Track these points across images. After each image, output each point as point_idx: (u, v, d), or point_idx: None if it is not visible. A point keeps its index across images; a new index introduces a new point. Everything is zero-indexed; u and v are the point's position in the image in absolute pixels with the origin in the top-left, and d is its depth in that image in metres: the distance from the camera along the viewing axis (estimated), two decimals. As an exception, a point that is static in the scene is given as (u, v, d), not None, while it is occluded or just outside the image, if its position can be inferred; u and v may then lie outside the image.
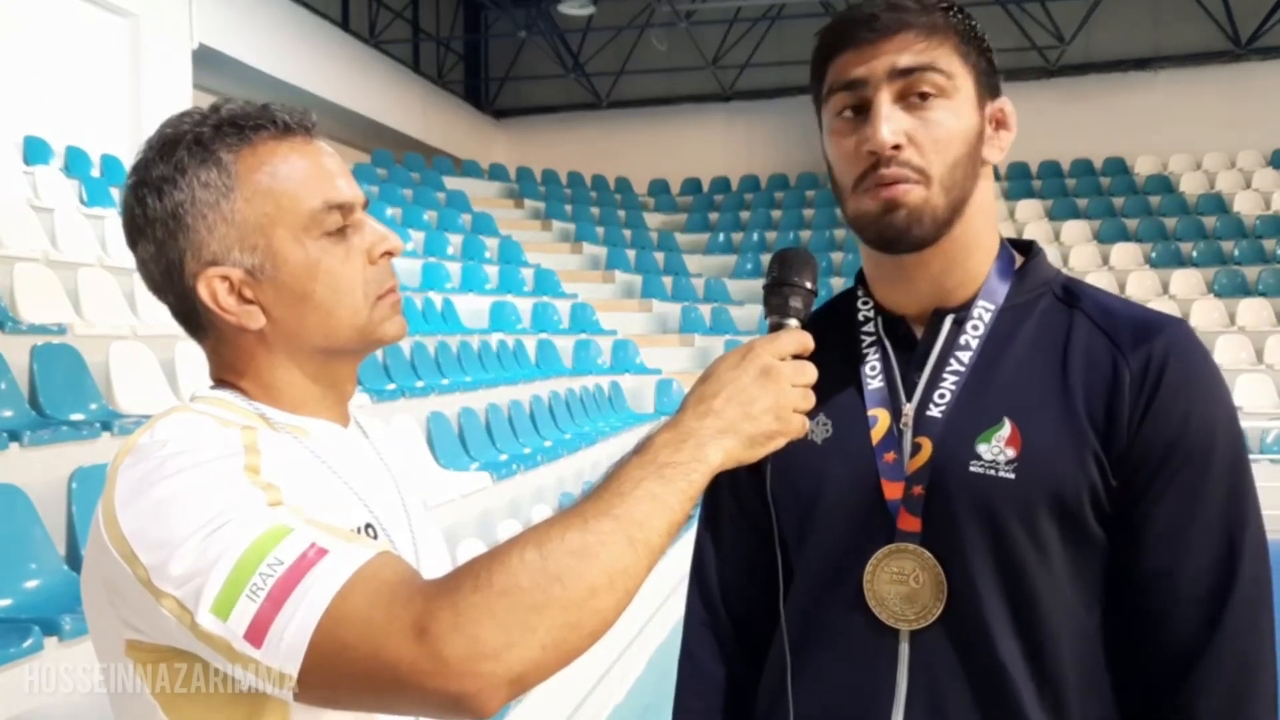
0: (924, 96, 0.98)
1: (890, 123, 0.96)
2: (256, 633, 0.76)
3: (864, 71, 0.99)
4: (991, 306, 1.05)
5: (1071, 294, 1.06)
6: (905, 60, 0.97)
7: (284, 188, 0.93)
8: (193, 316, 0.96)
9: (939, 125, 0.98)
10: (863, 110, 0.99)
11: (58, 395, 4.34)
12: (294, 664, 0.76)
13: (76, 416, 4.29)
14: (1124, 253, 13.14)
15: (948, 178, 0.99)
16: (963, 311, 1.05)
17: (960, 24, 1.01)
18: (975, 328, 1.04)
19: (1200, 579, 0.96)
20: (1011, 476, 0.97)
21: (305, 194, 0.93)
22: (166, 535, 0.79)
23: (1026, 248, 1.11)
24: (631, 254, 14.41)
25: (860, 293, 1.13)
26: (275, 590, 0.76)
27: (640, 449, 0.86)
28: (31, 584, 3.16)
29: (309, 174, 0.94)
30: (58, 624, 2.79)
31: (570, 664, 0.79)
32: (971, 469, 0.99)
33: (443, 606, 0.75)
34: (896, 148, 0.97)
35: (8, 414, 4.02)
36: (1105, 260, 13.06)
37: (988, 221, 1.06)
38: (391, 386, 6.47)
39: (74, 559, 3.36)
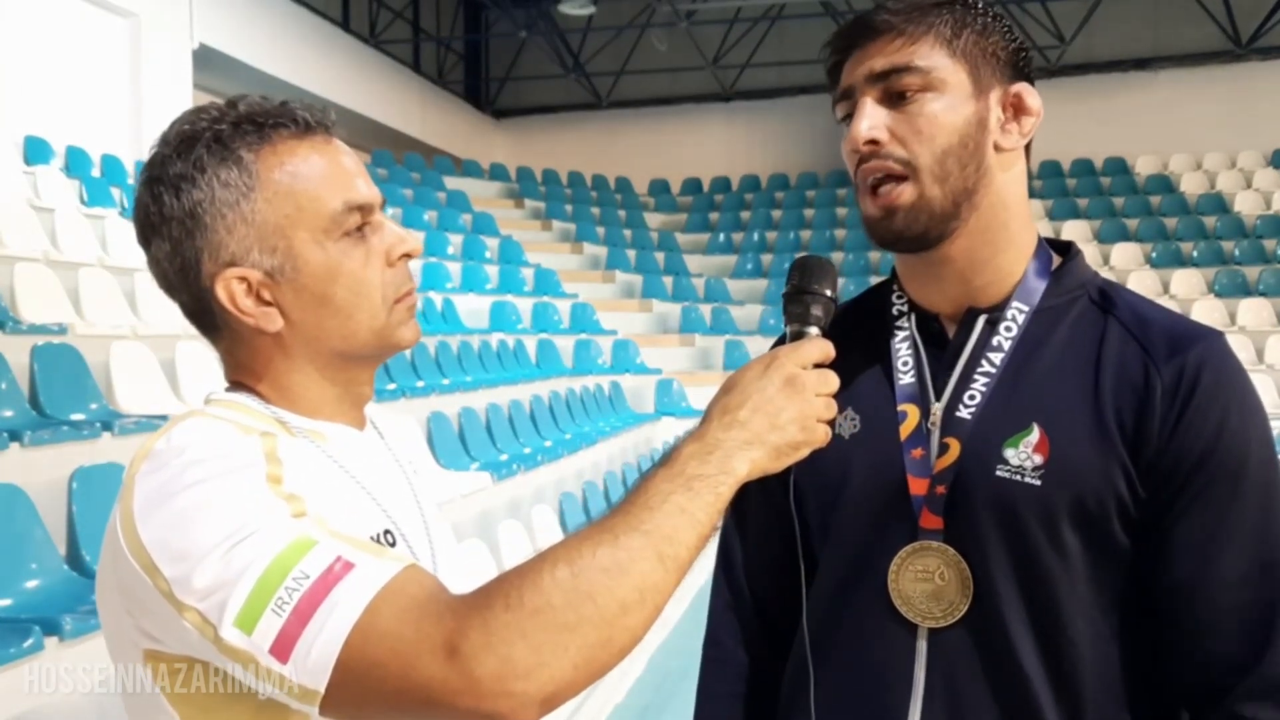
0: (903, 94, 1.00)
1: (868, 120, 1.00)
2: (282, 648, 0.75)
3: (849, 79, 1.03)
4: (1026, 308, 1.04)
5: (1108, 298, 1.04)
6: (879, 64, 1.01)
7: (305, 188, 0.91)
8: (207, 317, 0.94)
9: (920, 117, 0.99)
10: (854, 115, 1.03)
11: (58, 395, 4.34)
12: (321, 680, 0.75)
13: (77, 416, 4.29)
14: (1124, 253, 13.13)
15: (937, 168, 0.99)
16: (996, 312, 1.04)
17: (953, 18, 1.01)
18: (1009, 329, 1.03)
19: (1237, 590, 0.94)
20: (1037, 483, 0.97)
21: (326, 195, 0.91)
22: (189, 547, 0.78)
23: (1065, 248, 1.10)
24: (632, 254, 14.40)
25: (895, 287, 1.13)
26: (301, 605, 0.75)
27: (667, 461, 0.85)
28: (32, 584, 3.16)
29: (329, 174, 0.92)
30: (58, 624, 2.79)
31: (599, 680, 0.79)
32: (998, 473, 0.99)
33: (474, 625, 0.74)
34: (874, 142, 0.99)
35: (8, 414, 4.02)
36: (1106, 260, 13.05)
37: (1016, 216, 1.05)
38: (392, 386, 6.46)
39: (74, 559, 3.36)
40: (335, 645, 0.74)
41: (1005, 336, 1.03)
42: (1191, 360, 0.97)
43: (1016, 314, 1.04)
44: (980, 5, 1.03)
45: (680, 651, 1.15)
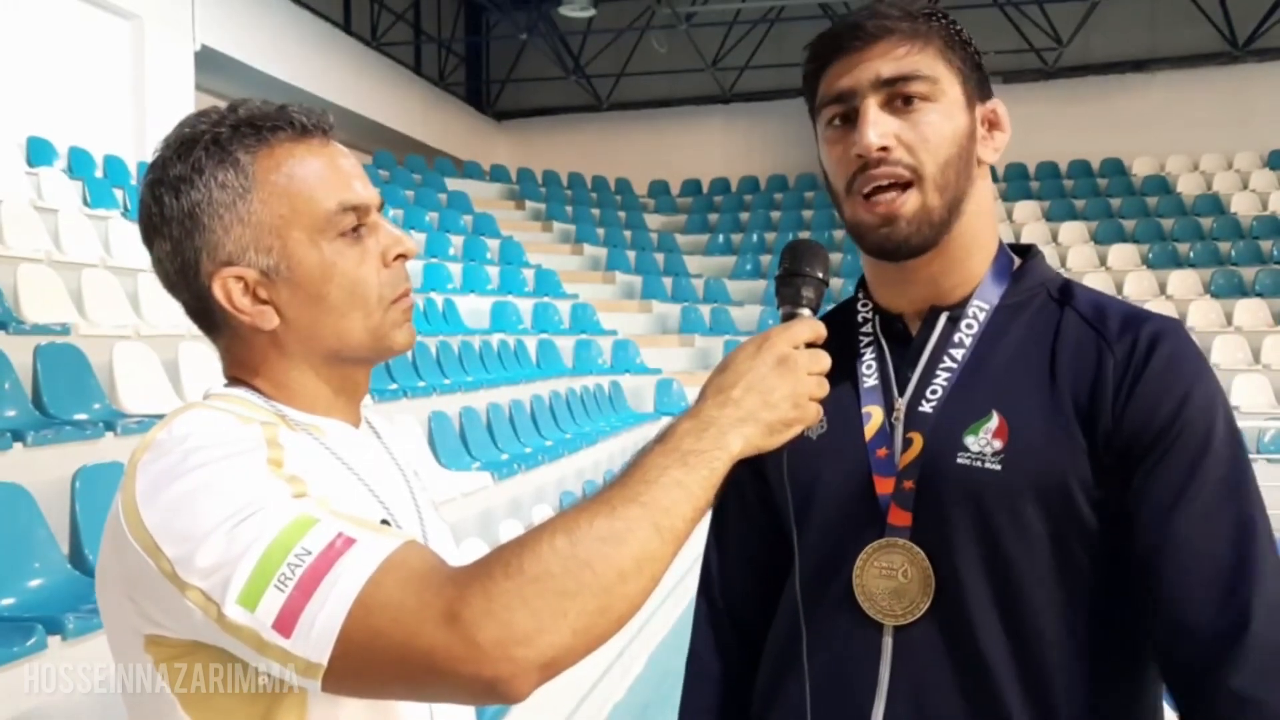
0: (909, 101, 1.00)
1: (877, 127, 1.00)
2: (285, 622, 0.76)
3: (850, 82, 1.02)
4: (986, 305, 1.06)
5: (1066, 293, 1.07)
6: (888, 69, 1.00)
7: (300, 189, 0.93)
8: (207, 315, 0.96)
9: (927, 126, 1.00)
10: (851, 119, 1.03)
11: (61, 395, 4.36)
12: (324, 653, 0.76)
13: (80, 416, 4.30)
14: (1121, 253, 13.14)
15: (940, 177, 1.01)
16: (958, 309, 1.07)
17: (943, 29, 1.03)
18: (969, 326, 1.06)
19: (1212, 555, 0.93)
20: (998, 468, 0.98)
21: (321, 195, 0.93)
22: (192, 527, 0.79)
23: (1024, 250, 1.13)
24: (632, 255, 14.42)
25: (860, 296, 1.16)
26: (304, 580, 0.77)
27: (662, 438, 0.88)
28: (35, 583, 3.16)
29: (325, 176, 0.94)
30: (61, 623, 2.80)
31: (597, 649, 0.80)
32: (959, 461, 1.00)
33: (475, 592, 0.76)
34: (884, 149, 1.00)
35: (11, 414, 4.03)
36: (1103, 261, 13.07)
37: (986, 223, 1.08)
38: (393, 386, 6.48)
39: (77, 558, 3.37)
40: (338, 618, 0.76)
41: (966, 333, 1.06)
42: (1144, 336, 0.99)
43: (977, 311, 1.06)
44: (956, 22, 1.05)
45: (680, 651, 1.16)
